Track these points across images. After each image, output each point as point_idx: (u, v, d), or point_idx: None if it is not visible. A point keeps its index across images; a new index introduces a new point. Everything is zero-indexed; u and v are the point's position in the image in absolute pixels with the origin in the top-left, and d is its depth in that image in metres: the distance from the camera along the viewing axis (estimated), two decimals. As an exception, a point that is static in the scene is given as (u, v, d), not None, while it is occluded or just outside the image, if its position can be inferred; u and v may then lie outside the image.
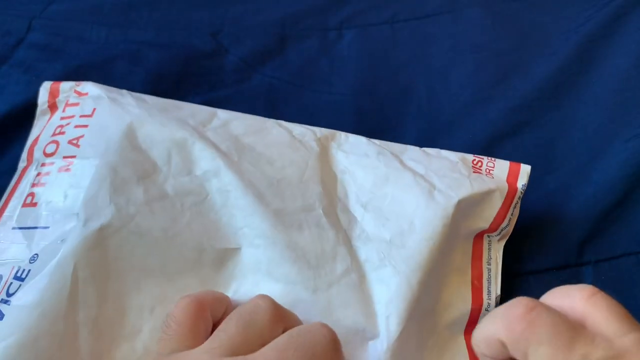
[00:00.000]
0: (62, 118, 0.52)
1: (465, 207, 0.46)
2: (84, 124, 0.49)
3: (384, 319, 0.40)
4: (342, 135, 0.53)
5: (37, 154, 0.51)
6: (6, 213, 0.46)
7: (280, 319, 0.37)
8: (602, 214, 0.56)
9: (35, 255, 0.40)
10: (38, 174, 0.48)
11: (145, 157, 0.45)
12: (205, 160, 0.46)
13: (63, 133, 0.50)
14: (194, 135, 0.47)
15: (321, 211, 0.44)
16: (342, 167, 0.50)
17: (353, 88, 0.69)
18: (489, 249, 0.49)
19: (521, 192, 0.50)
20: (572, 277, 0.52)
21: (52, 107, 0.55)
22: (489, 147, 0.62)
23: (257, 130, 0.51)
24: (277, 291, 0.40)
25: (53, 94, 0.55)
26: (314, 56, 0.72)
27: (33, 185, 0.47)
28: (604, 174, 0.59)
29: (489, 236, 0.49)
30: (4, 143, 0.63)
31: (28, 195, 0.46)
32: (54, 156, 0.48)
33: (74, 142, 0.48)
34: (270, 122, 0.53)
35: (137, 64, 0.70)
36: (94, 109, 0.51)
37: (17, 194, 0.48)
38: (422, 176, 0.47)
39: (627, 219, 0.56)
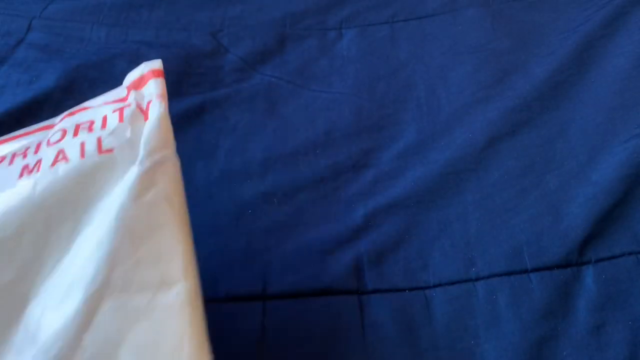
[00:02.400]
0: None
1: None
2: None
3: None
4: None
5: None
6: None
7: None
8: (602, 214, 0.56)
9: None
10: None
11: None
12: None
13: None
14: None
15: None
16: None
17: (352, 87, 0.69)
18: None
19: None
20: (573, 276, 0.52)
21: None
22: (489, 146, 0.62)
23: None
24: None
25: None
26: (314, 56, 0.72)
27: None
28: (603, 174, 0.59)
29: None
30: (3, 142, 0.63)
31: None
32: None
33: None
34: None
35: (136, 64, 0.70)
36: None
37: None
38: None
39: (627, 219, 0.56)
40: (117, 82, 0.69)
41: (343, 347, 0.49)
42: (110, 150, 0.40)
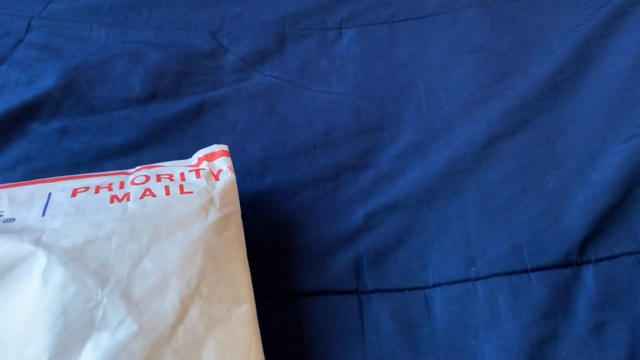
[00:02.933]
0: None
1: None
2: None
3: None
4: None
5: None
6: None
7: None
8: (602, 214, 0.56)
9: None
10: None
11: None
12: None
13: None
14: None
15: None
16: None
17: (352, 87, 0.69)
18: None
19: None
20: (573, 276, 0.52)
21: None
22: (488, 146, 0.62)
23: None
24: None
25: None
26: (313, 55, 0.72)
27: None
28: (603, 174, 0.59)
29: None
30: (3, 141, 0.63)
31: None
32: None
33: None
34: None
35: (136, 63, 0.70)
36: None
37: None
38: None
39: (626, 219, 0.56)
40: (116, 81, 0.70)
41: (343, 347, 0.49)
42: (190, 192, 0.51)
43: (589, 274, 0.52)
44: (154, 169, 0.55)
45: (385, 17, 0.76)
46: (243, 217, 0.52)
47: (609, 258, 0.54)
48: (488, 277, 0.52)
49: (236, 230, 0.50)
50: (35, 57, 0.72)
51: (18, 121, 0.65)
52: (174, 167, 0.56)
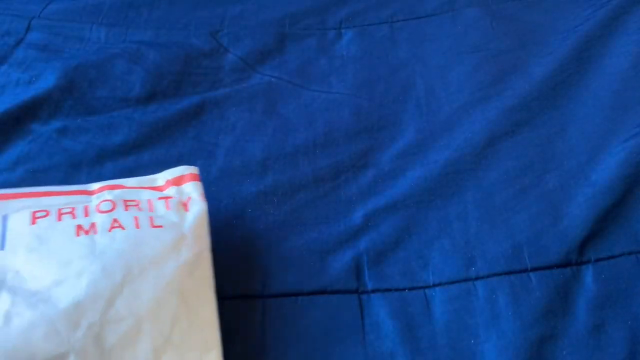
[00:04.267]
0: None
1: None
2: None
3: None
4: None
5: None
6: None
7: None
8: (602, 214, 0.56)
9: None
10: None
11: None
12: None
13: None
14: None
15: None
16: None
17: (352, 87, 0.69)
18: None
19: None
20: (573, 276, 0.52)
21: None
22: (488, 146, 0.63)
23: None
24: None
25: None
26: (313, 55, 0.72)
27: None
28: (602, 173, 0.59)
29: None
30: (3, 141, 0.63)
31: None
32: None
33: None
34: None
35: (136, 63, 0.70)
36: None
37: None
38: None
39: (626, 218, 0.56)
40: (116, 81, 0.70)
41: (343, 347, 0.49)
42: (160, 226, 0.48)
43: (588, 273, 0.52)
44: (118, 190, 0.52)
45: (385, 17, 0.76)
46: (243, 217, 0.52)
47: (609, 258, 0.54)
48: (488, 276, 0.52)
49: (206, 269, 0.48)
50: (35, 57, 0.72)
51: (18, 121, 0.65)
52: (140, 190, 0.53)
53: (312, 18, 0.75)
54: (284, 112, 0.67)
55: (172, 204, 0.51)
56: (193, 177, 0.54)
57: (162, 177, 0.55)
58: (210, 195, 0.55)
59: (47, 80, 0.69)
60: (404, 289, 0.52)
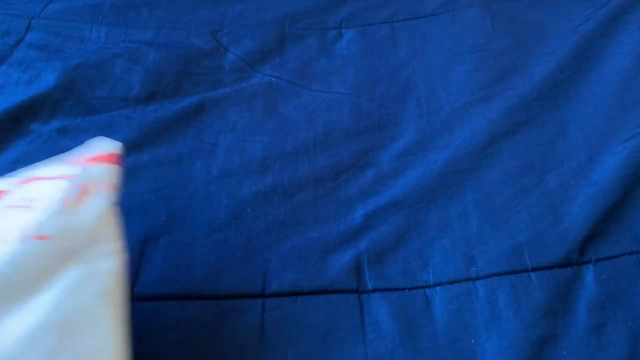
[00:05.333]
0: None
1: None
2: None
3: None
4: None
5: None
6: None
7: None
8: (602, 214, 0.56)
9: None
10: None
11: None
12: None
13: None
14: None
15: None
16: None
17: (352, 87, 0.69)
18: None
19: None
20: (574, 276, 0.52)
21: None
22: (489, 146, 0.62)
23: None
24: None
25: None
26: (314, 55, 0.72)
27: None
28: (603, 173, 0.59)
29: None
30: (3, 141, 0.63)
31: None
32: None
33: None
34: None
35: (136, 63, 0.70)
36: None
37: None
38: None
39: (626, 218, 0.56)
40: (116, 81, 0.70)
41: (343, 347, 0.48)
42: (47, 237, 0.37)
43: (589, 273, 0.52)
44: (30, 183, 0.41)
45: (386, 16, 0.76)
46: (243, 217, 0.52)
47: (610, 258, 0.54)
48: (488, 276, 0.52)
49: (106, 283, 0.38)
50: (35, 57, 0.72)
51: (18, 121, 0.65)
52: (51, 180, 0.41)
53: (312, 18, 0.75)
54: (284, 111, 0.67)
55: (69, 199, 0.40)
56: (110, 159, 0.42)
57: (78, 154, 0.44)
58: (210, 194, 0.55)
59: (47, 80, 0.69)
60: (404, 289, 0.52)
